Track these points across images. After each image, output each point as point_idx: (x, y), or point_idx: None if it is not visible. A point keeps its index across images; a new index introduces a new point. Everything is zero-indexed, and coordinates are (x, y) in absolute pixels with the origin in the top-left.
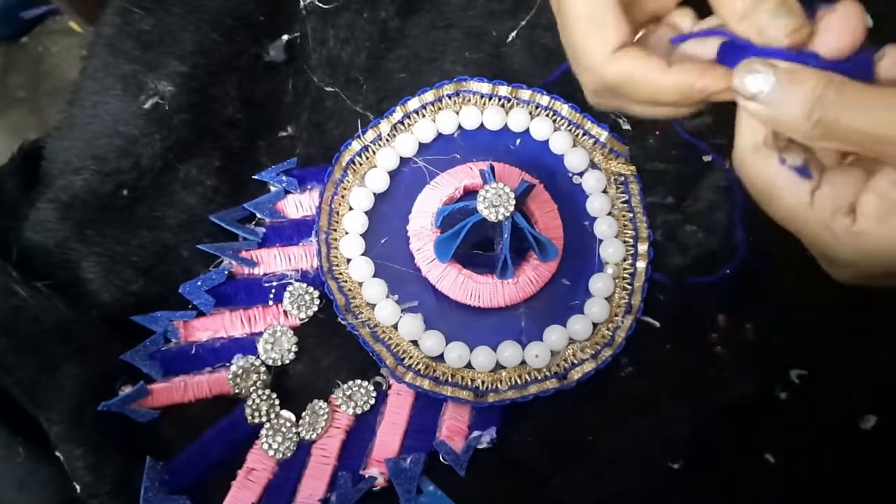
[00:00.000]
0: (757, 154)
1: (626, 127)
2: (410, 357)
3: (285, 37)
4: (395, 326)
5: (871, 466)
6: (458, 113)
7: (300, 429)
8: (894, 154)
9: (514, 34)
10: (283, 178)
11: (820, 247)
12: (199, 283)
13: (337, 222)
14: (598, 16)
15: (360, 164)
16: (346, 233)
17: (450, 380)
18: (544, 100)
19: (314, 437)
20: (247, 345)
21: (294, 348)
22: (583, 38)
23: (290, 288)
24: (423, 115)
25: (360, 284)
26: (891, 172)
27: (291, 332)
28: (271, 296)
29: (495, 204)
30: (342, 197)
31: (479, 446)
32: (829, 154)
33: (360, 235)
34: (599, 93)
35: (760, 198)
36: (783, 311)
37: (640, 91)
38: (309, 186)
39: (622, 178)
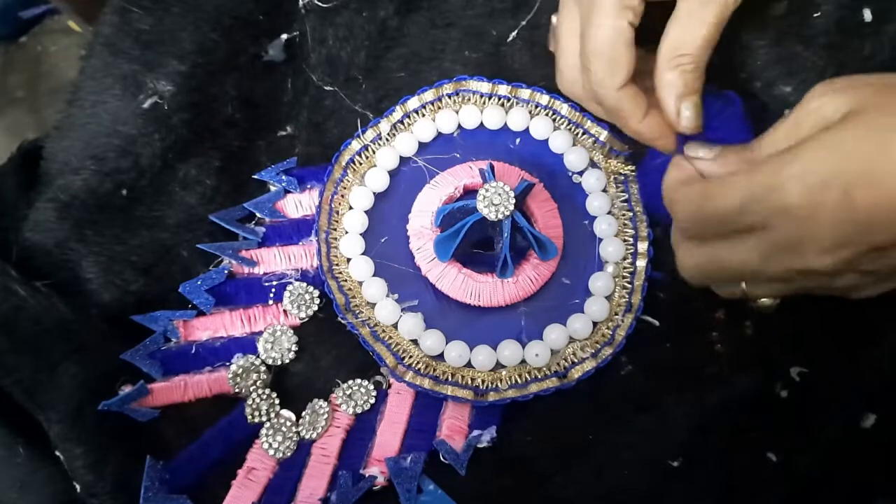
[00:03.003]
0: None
1: None
2: (410, 356)
3: (284, 36)
4: (395, 325)
5: (871, 465)
6: (457, 112)
7: (300, 428)
8: None
9: (514, 34)
10: (283, 177)
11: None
12: (199, 283)
13: (337, 221)
14: (616, 57)
15: (360, 164)
16: (346, 232)
17: (450, 379)
18: (544, 99)
19: (314, 436)
20: (247, 344)
21: (294, 347)
22: (601, 71)
23: (289, 287)
24: (423, 115)
25: (360, 283)
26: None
27: (291, 331)
28: (271, 295)
29: (495, 203)
30: (342, 196)
31: (480, 445)
32: None
33: (360, 235)
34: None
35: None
36: (783, 309)
37: (622, 123)
38: (309, 186)
39: (622, 177)
